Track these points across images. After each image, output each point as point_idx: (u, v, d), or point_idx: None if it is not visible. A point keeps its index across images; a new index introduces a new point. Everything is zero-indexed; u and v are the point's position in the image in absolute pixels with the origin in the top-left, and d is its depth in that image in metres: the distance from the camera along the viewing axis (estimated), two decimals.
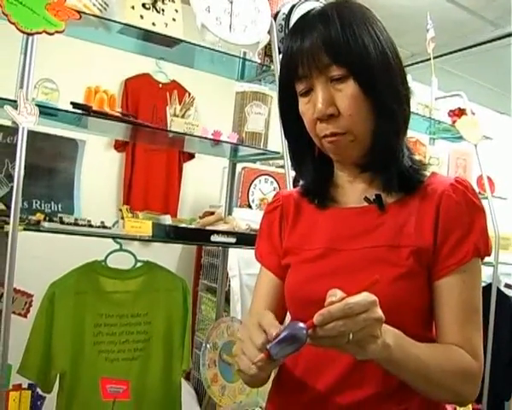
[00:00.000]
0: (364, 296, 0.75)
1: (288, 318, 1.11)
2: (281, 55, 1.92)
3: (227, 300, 2.83)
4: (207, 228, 1.81)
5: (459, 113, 2.66)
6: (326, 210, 1.07)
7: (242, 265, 3.08)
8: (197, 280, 3.57)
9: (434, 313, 0.96)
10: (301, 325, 0.74)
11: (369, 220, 1.00)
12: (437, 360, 0.89)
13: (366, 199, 1.01)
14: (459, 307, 0.93)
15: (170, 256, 3.47)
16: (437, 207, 0.96)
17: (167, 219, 1.79)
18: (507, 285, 3.34)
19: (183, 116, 1.79)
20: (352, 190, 1.05)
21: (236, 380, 1.99)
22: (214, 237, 1.75)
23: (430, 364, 0.87)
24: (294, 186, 1.75)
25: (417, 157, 1.06)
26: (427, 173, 1.03)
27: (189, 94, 1.86)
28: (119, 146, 3.47)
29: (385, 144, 0.96)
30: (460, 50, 3.44)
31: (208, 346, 1.98)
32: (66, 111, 1.57)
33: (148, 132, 1.91)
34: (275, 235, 1.13)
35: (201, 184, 3.75)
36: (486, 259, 1.03)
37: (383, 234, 0.97)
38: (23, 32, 1.40)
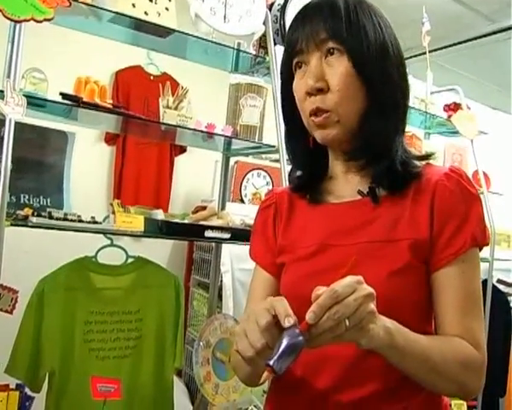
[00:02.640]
0: (348, 278, 0.75)
1: None
2: (276, 47, 1.89)
3: (219, 295, 2.75)
4: (201, 223, 1.78)
5: (455, 107, 2.64)
6: (319, 206, 1.05)
7: (235, 260, 3.06)
8: (189, 275, 3.54)
9: (434, 304, 0.95)
10: (297, 331, 0.73)
11: (363, 214, 0.99)
12: (439, 348, 0.87)
13: (360, 192, 1.00)
14: (459, 297, 0.92)
15: (161, 251, 3.43)
16: (431, 198, 0.95)
17: (160, 214, 1.75)
18: (499, 281, 3.33)
19: (176, 108, 1.75)
20: (346, 183, 1.04)
21: (230, 378, 1.95)
22: (208, 233, 1.71)
23: (432, 352, 0.86)
24: (289, 181, 1.72)
25: (414, 152, 1.04)
26: (422, 164, 1.02)
27: (182, 86, 1.81)
28: (109, 139, 3.41)
29: (372, 131, 0.95)
30: (454, 45, 3.42)
31: (201, 344, 1.94)
32: (56, 102, 1.52)
33: (140, 125, 1.87)
34: (269, 233, 1.11)
35: (193, 178, 3.71)
36: (482, 254, 1.02)
37: (378, 228, 0.96)
38: (10, 20, 1.34)
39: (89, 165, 3.21)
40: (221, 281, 2.93)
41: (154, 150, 3.51)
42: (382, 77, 0.94)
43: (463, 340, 0.90)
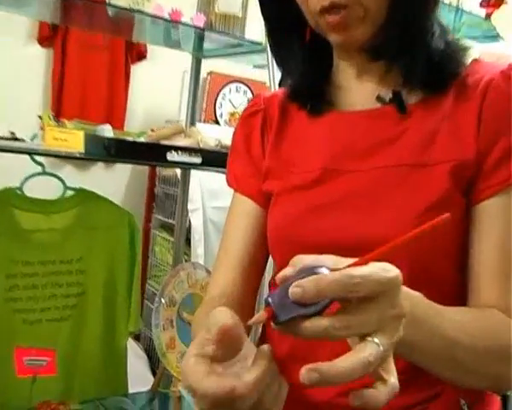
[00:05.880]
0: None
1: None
2: None
3: (187, 240, 2.82)
4: (162, 143, 1.70)
5: (496, 2, 2.50)
6: (323, 117, 0.98)
7: (206, 195, 3.10)
8: (149, 215, 3.60)
9: (469, 250, 0.88)
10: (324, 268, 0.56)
11: (384, 129, 0.91)
12: (469, 335, 0.78)
13: (379, 98, 0.93)
14: (499, 243, 0.84)
15: (114, 184, 3.43)
16: (480, 104, 0.86)
17: (107, 131, 1.65)
18: None
19: None
20: (359, 89, 0.97)
21: None
22: (172, 156, 1.62)
23: (460, 341, 0.77)
24: None
25: (456, 38, 0.95)
26: (468, 60, 0.92)
27: None
28: (44, 39, 3.37)
29: (405, 18, 0.87)
30: None
31: (163, 301, 1.87)
32: None
33: (82, 9, 1.74)
34: (255, 149, 1.06)
35: (155, 92, 3.70)
36: None
37: (406, 147, 0.89)
38: None
39: (18, 72, 3.17)
40: (189, 222, 2.96)
41: (105, 55, 3.47)
42: None
43: (497, 308, 0.83)
